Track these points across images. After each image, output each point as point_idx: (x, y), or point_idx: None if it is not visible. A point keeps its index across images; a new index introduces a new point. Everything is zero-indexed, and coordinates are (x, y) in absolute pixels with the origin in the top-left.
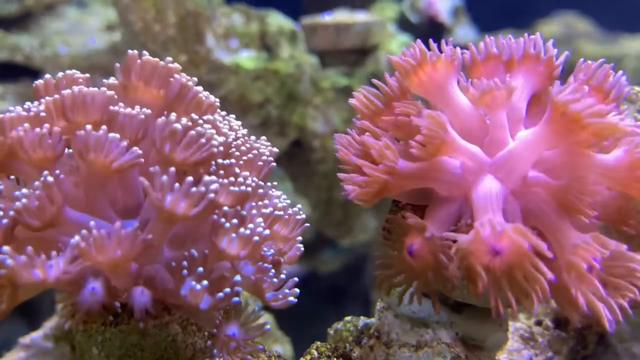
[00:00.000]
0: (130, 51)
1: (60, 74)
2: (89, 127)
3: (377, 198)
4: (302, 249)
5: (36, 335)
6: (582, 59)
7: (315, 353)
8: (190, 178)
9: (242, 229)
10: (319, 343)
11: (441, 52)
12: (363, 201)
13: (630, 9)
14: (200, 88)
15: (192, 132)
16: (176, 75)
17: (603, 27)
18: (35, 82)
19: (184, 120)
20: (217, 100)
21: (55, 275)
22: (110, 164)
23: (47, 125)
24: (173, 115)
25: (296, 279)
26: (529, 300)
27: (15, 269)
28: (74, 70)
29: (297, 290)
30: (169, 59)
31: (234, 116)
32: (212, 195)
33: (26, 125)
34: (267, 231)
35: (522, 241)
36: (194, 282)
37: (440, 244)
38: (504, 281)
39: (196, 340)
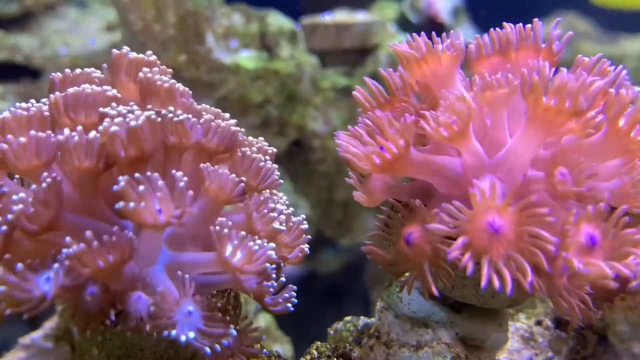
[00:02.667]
0: (114, 50)
1: (78, 71)
2: (66, 131)
3: (387, 170)
4: (307, 251)
5: (36, 335)
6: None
7: (315, 353)
8: (181, 185)
9: (250, 243)
10: (319, 343)
11: (444, 45)
12: (376, 167)
13: (630, 9)
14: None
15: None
16: (144, 69)
17: (603, 27)
18: (53, 74)
19: (143, 114)
20: (188, 89)
21: (55, 287)
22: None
23: (33, 131)
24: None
25: (295, 287)
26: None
27: (10, 294)
28: (92, 69)
29: (294, 294)
30: (149, 52)
31: (232, 118)
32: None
33: (9, 137)
34: (274, 253)
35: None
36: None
37: (438, 235)
38: (506, 262)
39: None
